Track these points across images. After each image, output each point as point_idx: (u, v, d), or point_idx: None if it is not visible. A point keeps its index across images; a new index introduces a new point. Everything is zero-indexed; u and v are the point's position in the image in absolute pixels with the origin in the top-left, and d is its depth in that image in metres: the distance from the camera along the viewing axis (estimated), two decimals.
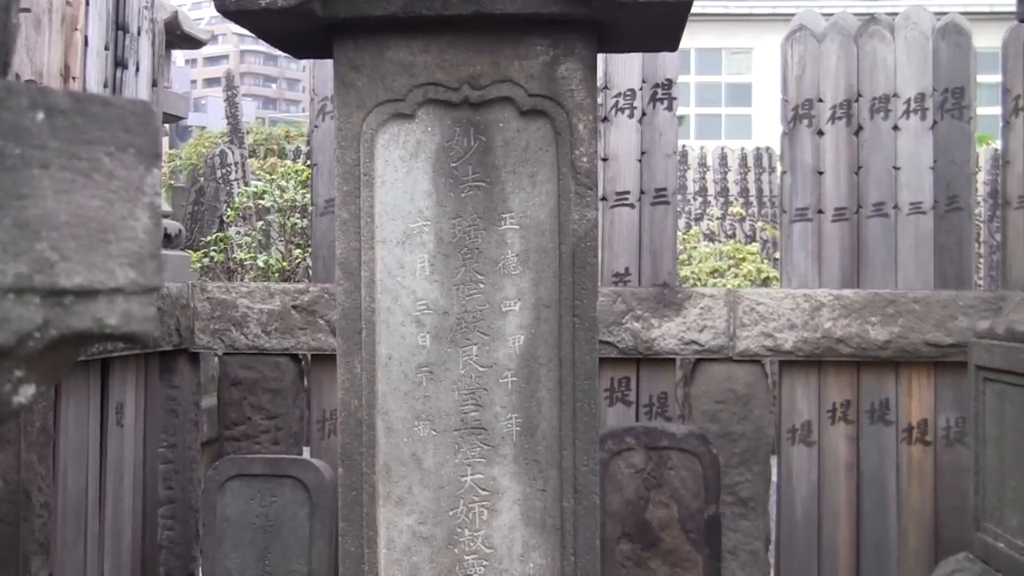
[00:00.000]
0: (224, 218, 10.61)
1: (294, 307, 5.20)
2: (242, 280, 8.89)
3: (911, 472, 5.14)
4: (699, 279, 9.69)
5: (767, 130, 19.66)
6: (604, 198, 5.21)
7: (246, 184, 11.72)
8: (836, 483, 5.18)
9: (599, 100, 4.96)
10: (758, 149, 18.71)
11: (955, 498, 5.04)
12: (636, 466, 4.56)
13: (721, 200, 17.85)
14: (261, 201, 9.41)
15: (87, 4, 4.78)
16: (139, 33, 5.31)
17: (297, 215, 8.99)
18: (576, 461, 3.10)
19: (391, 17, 2.99)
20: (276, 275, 8.66)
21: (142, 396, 5.14)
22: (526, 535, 3.12)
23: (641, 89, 5.29)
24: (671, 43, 3.37)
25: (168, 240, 6.81)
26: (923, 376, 5.13)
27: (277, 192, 9.24)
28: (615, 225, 5.24)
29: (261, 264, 8.72)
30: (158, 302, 1.23)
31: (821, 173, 5.27)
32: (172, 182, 15.52)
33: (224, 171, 12.74)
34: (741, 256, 10.44)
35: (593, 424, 3.12)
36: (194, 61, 61.96)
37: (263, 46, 60.58)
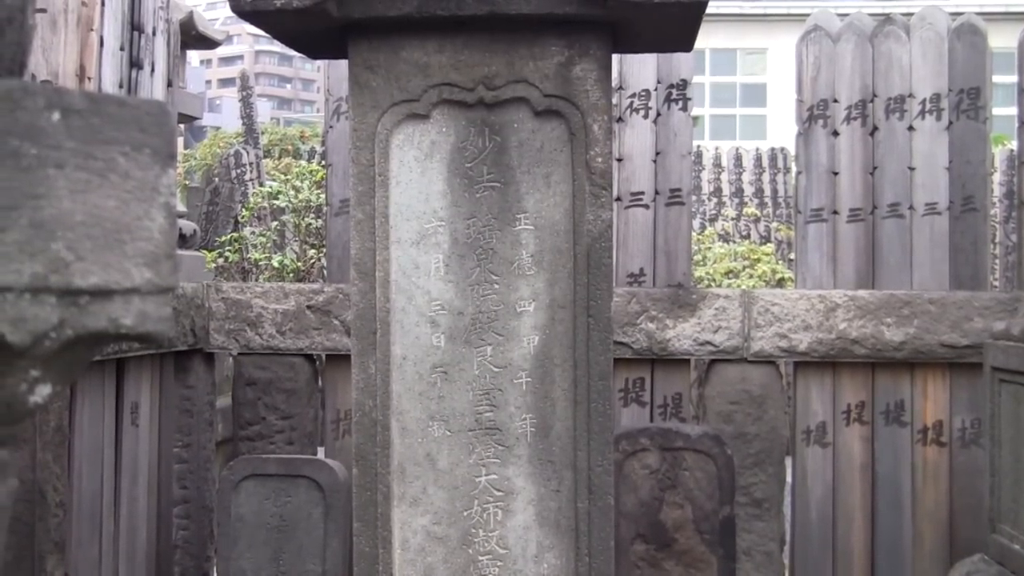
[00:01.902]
0: (239, 218, 10.63)
1: (309, 307, 5.20)
2: (257, 280, 8.91)
3: (926, 473, 5.12)
4: (714, 280, 9.68)
5: (782, 130, 19.61)
6: (619, 199, 5.21)
7: (261, 184, 11.74)
8: (851, 484, 5.16)
9: (614, 100, 4.96)
10: (773, 150, 18.66)
11: (970, 499, 5.02)
12: (650, 467, 4.56)
13: (736, 201, 17.81)
14: (276, 201, 9.43)
15: (102, 5, 4.80)
16: (154, 33, 5.32)
17: (312, 215, 9.00)
18: (591, 462, 3.09)
19: (406, 17, 2.99)
20: (291, 275, 8.67)
21: (157, 396, 5.15)
22: (540, 535, 3.12)
23: (656, 89, 5.29)
24: (686, 43, 3.36)
25: (183, 240, 6.82)
26: (938, 377, 5.12)
27: (292, 192, 9.25)
28: (630, 226, 5.23)
29: (276, 264, 8.74)
30: (173, 302, 1.23)
31: (836, 174, 5.25)
32: (187, 182, 15.55)
33: (239, 171, 12.76)
34: (756, 257, 10.43)
35: (607, 425, 3.12)
36: (209, 61, 62.15)
37: (278, 47, 60.68)
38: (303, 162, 13.48)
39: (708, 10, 3.06)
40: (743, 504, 4.96)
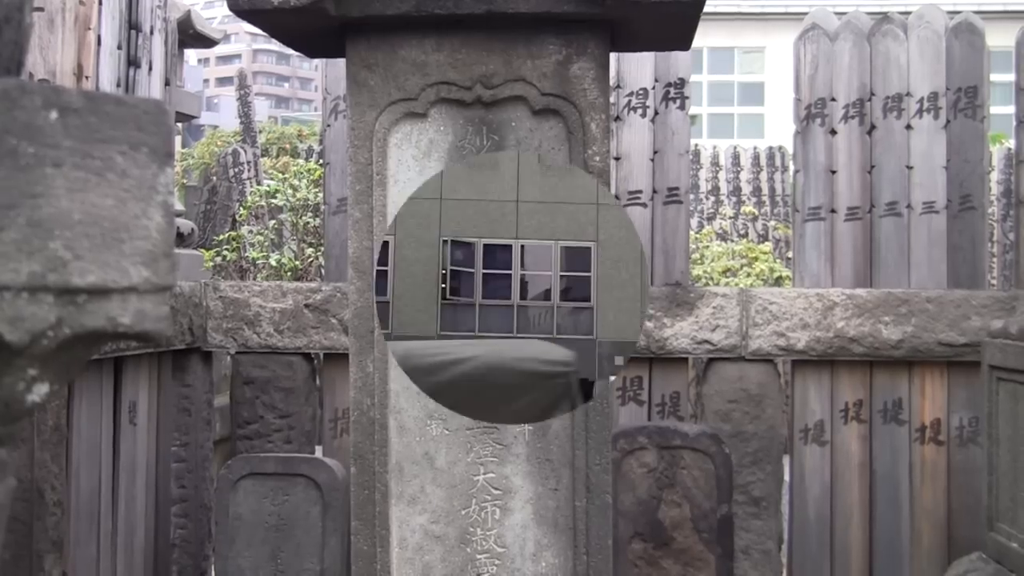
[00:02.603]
0: (236, 217, 10.63)
1: (307, 306, 5.20)
2: (255, 279, 8.90)
3: (924, 472, 5.12)
4: (712, 278, 9.68)
5: (780, 129, 19.60)
6: (617, 197, 5.20)
7: (258, 183, 11.74)
8: (849, 483, 5.17)
9: (611, 99, 4.96)
10: (771, 148, 18.65)
11: (968, 498, 5.02)
12: (648, 465, 4.56)
13: (734, 199, 17.81)
14: (273, 200, 9.43)
15: (100, 3, 4.79)
16: (152, 32, 5.32)
17: (309, 214, 9.00)
18: (588, 460, 3.09)
19: (404, 16, 2.99)
20: (289, 274, 8.67)
21: (155, 395, 5.15)
22: (538, 534, 3.12)
23: (653, 88, 5.28)
24: (684, 42, 3.36)
25: (181, 239, 6.82)
26: (936, 376, 5.12)
27: (289, 191, 9.25)
28: None
29: (274, 263, 8.74)
30: (171, 301, 1.23)
31: (834, 172, 5.26)
32: (185, 181, 15.56)
33: (236, 170, 12.77)
34: (754, 255, 10.43)
35: (605, 423, 3.12)
36: (207, 60, 62.05)
37: (276, 45, 60.61)
38: (301, 161, 13.48)
39: (706, 8, 3.06)
40: (741, 503, 4.96)
